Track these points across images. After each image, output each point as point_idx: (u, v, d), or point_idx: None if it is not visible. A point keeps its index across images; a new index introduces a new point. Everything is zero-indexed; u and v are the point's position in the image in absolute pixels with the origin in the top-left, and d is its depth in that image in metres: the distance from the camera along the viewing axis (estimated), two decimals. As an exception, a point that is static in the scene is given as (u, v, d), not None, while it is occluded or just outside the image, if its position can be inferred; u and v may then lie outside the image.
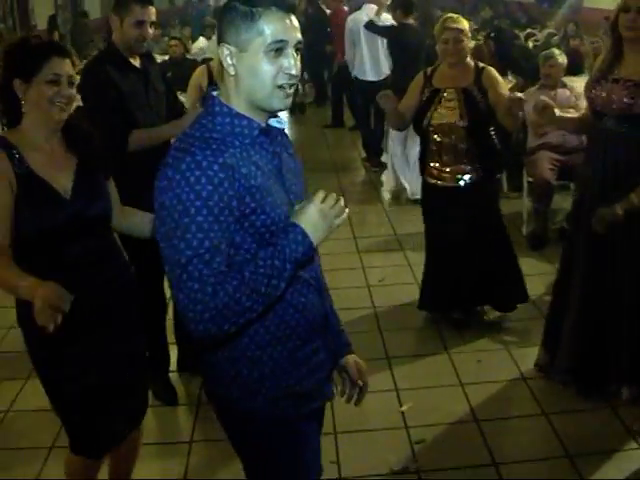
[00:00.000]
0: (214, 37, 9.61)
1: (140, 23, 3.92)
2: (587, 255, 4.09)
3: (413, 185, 7.65)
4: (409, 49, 8.14)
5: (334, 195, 2.11)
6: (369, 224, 7.37)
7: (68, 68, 2.77)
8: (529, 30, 13.59)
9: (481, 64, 4.89)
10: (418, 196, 7.38)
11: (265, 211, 2.05)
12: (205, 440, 4.04)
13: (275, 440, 2.23)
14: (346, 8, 11.78)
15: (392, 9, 8.54)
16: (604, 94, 3.89)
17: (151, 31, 4.02)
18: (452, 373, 4.60)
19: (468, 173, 4.79)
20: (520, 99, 4.40)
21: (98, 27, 15.15)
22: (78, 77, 3.04)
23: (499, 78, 4.81)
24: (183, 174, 1.96)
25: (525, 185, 6.94)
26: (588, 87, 4.03)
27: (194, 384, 4.49)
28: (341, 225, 2.16)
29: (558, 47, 8.76)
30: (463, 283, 4.99)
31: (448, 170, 4.83)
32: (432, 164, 4.88)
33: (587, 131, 4.26)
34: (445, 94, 4.76)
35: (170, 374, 4.54)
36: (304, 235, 2.05)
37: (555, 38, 11.60)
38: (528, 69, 8.35)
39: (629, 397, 4.13)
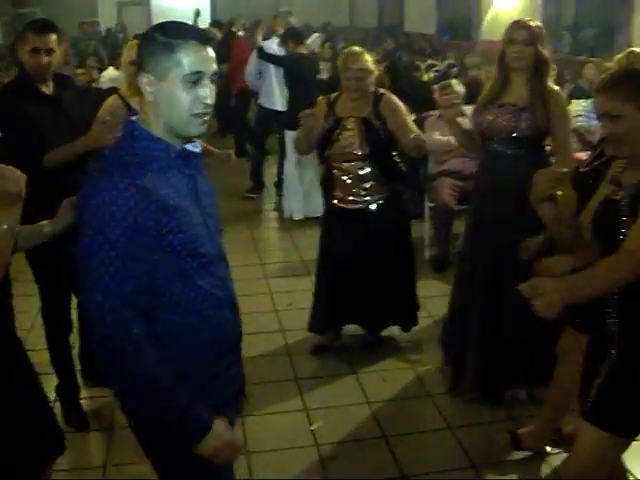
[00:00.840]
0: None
1: (35, 51, 3.92)
2: (483, 272, 4.35)
3: (303, 206, 8.12)
4: (302, 78, 8.27)
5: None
6: (276, 250, 7.47)
7: None
8: (430, 61, 14.00)
9: (381, 91, 4.97)
10: (308, 215, 7.86)
11: (182, 230, 2.14)
12: (118, 465, 4.03)
13: (190, 453, 2.27)
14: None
15: (283, 40, 8.75)
16: (491, 118, 4.19)
17: (49, 59, 3.96)
18: (359, 392, 4.70)
19: (372, 198, 4.88)
20: (420, 140, 4.65)
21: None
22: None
23: (399, 105, 4.90)
24: (100, 194, 2.04)
25: (427, 210, 7.14)
26: (476, 112, 4.32)
27: (106, 407, 4.48)
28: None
29: (457, 77, 9.10)
30: (367, 304, 5.06)
31: (351, 196, 4.89)
32: (336, 190, 4.96)
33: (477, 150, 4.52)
34: (346, 123, 4.84)
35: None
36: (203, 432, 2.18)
37: (455, 69, 11.99)
38: (418, 99, 8.62)
39: (525, 398, 4.47)
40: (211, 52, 2.17)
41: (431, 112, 7.29)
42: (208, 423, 2.18)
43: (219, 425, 2.20)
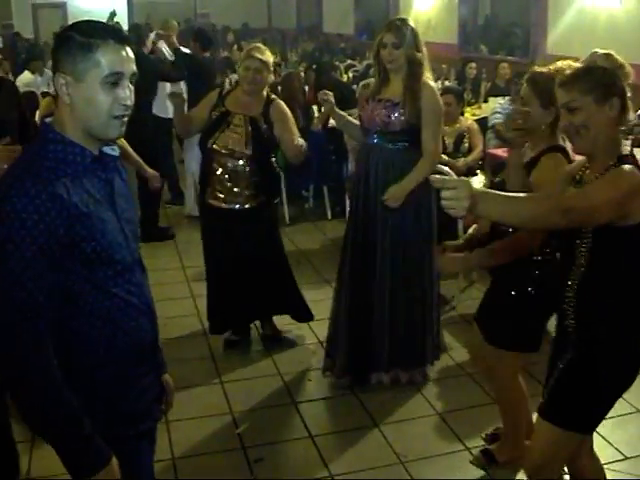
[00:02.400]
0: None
1: None
2: (353, 259, 4.64)
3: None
4: (203, 80, 8.16)
5: None
6: (197, 253, 7.37)
7: None
8: (349, 61, 14.10)
9: (272, 96, 5.01)
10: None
11: (95, 238, 2.09)
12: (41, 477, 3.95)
13: None
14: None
15: (193, 40, 8.73)
16: (369, 112, 4.44)
17: None
18: (285, 393, 4.71)
19: (247, 197, 4.88)
20: (305, 150, 4.84)
21: None
22: None
23: (288, 113, 4.96)
24: (11, 200, 1.98)
25: (347, 209, 7.13)
26: (360, 107, 4.62)
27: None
28: None
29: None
30: (252, 301, 5.12)
31: (227, 193, 4.88)
32: (213, 186, 4.92)
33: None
34: (234, 119, 4.82)
35: None
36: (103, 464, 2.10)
37: (373, 69, 12.06)
38: (340, 98, 8.67)
39: (388, 382, 4.68)
40: (130, 52, 2.12)
41: (351, 111, 7.34)
42: (109, 457, 2.13)
43: (115, 462, 2.14)
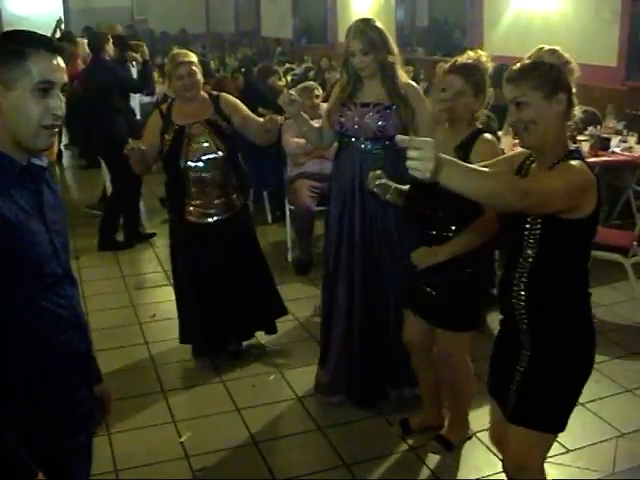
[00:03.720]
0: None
1: None
2: (350, 271, 4.36)
3: None
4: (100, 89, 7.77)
5: None
6: (137, 261, 7.34)
7: None
8: (288, 65, 14.11)
9: (215, 92, 4.91)
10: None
11: (25, 250, 2.06)
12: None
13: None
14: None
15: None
16: (356, 117, 4.22)
17: None
18: (228, 400, 4.67)
19: (227, 205, 4.81)
20: (277, 121, 4.57)
21: None
22: None
23: (237, 101, 4.88)
24: None
25: (287, 213, 7.17)
26: (333, 111, 4.33)
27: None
28: None
29: (314, 80, 9.23)
30: (232, 315, 5.01)
31: (207, 206, 4.78)
32: (193, 202, 4.78)
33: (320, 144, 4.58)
34: (192, 130, 4.69)
35: None
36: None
37: (312, 72, 12.13)
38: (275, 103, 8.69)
39: (397, 398, 4.51)
40: (61, 62, 2.09)
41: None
42: (35, 472, 2.07)
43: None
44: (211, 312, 4.97)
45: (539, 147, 2.70)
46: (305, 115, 4.45)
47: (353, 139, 4.28)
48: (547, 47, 2.72)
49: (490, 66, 3.64)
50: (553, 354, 2.78)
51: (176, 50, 4.94)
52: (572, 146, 2.75)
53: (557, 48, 2.71)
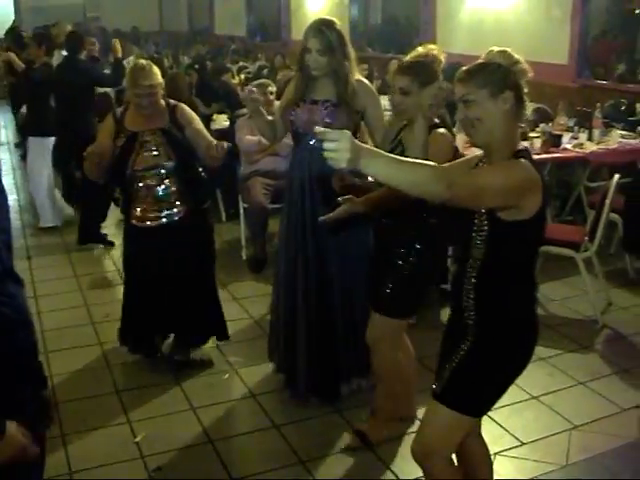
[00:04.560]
0: None
1: None
2: (304, 271, 4.38)
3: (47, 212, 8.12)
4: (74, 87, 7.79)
5: None
6: (91, 261, 7.26)
7: None
8: (242, 63, 14.06)
9: (172, 102, 4.79)
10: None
11: None
12: None
13: None
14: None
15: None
16: (306, 115, 4.23)
17: None
18: (183, 399, 4.65)
19: (175, 211, 4.73)
20: (223, 147, 4.44)
21: None
22: None
23: (193, 114, 4.80)
24: None
25: (241, 211, 7.15)
26: (287, 109, 4.35)
27: None
28: None
29: (268, 78, 9.21)
30: (179, 319, 4.93)
31: (154, 212, 4.70)
32: (139, 207, 4.72)
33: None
34: (145, 137, 4.62)
35: None
36: None
37: (265, 70, 12.11)
38: (229, 100, 8.67)
39: (347, 392, 4.53)
40: None
41: (240, 111, 7.37)
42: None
43: (11, 426, 2.08)
44: (149, 314, 4.92)
45: (486, 145, 2.74)
46: (263, 111, 4.44)
47: (303, 136, 4.30)
48: (497, 48, 2.76)
49: (443, 58, 3.67)
50: (493, 344, 2.84)
51: (141, 64, 4.68)
52: (521, 146, 2.78)
53: (507, 49, 2.75)
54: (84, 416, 4.42)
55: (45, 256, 7.19)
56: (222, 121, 8.83)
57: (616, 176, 5.64)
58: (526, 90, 2.73)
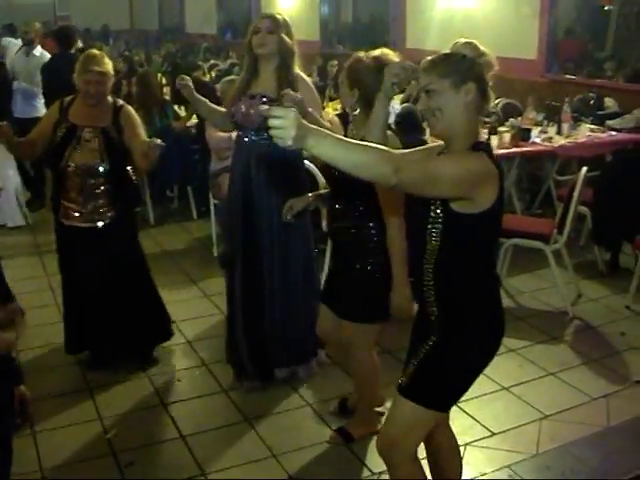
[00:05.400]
0: None
1: None
2: (242, 262, 4.61)
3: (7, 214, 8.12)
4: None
5: None
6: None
7: None
8: (212, 61, 14.04)
9: (120, 102, 4.75)
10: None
11: None
12: None
13: None
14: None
15: (53, 39, 8.58)
16: (243, 109, 4.31)
17: None
18: (154, 395, 4.64)
19: (108, 213, 4.66)
20: (157, 145, 4.28)
21: None
22: None
23: (137, 118, 4.73)
24: None
25: (212, 208, 7.13)
26: (231, 102, 4.45)
27: None
28: None
29: (238, 75, 9.18)
30: (112, 322, 4.85)
31: (86, 211, 4.62)
32: (68, 204, 4.64)
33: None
34: (84, 134, 4.53)
35: None
36: None
37: (236, 68, 12.09)
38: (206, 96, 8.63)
39: (285, 377, 4.71)
40: None
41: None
42: None
43: None
44: (85, 316, 4.88)
45: (446, 135, 2.73)
46: (199, 96, 4.51)
47: (242, 130, 4.44)
48: (463, 40, 2.75)
49: (399, 58, 3.65)
50: (456, 339, 2.82)
51: (93, 52, 4.68)
52: (482, 139, 2.78)
53: (473, 41, 2.74)
54: (56, 413, 4.40)
55: (16, 257, 7.14)
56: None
57: (584, 169, 5.69)
58: (491, 83, 2.72)
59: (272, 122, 2.18)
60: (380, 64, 3.34)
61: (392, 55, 3.56)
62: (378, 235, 3.64)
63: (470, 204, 2.61)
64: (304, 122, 2.23)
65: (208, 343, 5.27)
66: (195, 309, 5.75)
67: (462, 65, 2.66)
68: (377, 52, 3.61)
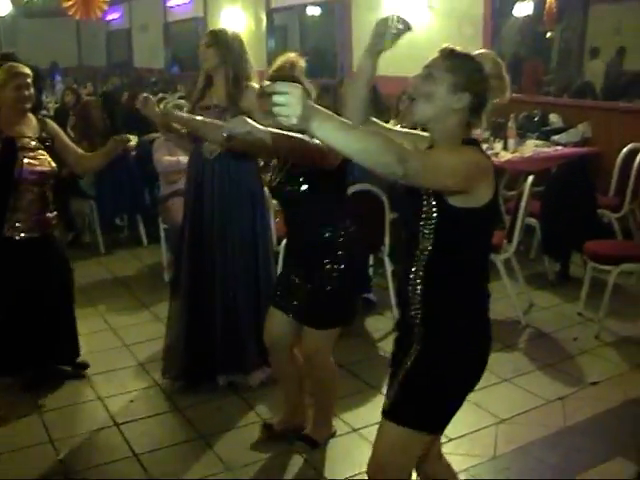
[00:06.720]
0: None
1: None
2: (188, 268, 4.71)
3: None
4: None
5: None
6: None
7: None
8: (160, 95, 14.01)
9: (40, 116, 4.84)
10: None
11: None
12: None
13: None
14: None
15: None
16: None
17: None
18: (106, 415, 4.55)
19: (45, 223, 4.65)
20: (126, 139, 4.67)
21: None
22: None
23: (59, 128, 4.85)
24: None
25: (162, 233, 7.09)
26: (187, 115, 4.43)
27: None
28: None
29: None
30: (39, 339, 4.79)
31: (34, 222, 4.59)
32: (19, 217, 4.54)
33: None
34: (25, 143, 4.51)
35: None
36: None
37: (183, 100, 12.04)
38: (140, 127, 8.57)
39: (225, 383, 4.74)
40: None
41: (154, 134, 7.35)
42: None
43: None
44: (15, 333, 4.74)
45: (425, 121, 2.62)
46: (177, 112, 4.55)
47: (197, 140, 4.50)
48: (494, 56, 2.68)
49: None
50: (441, 348, 2.65)
51: (11, 63, 4.66)
52: (472, 136, 2.67)
53: (501, 62, 2.62)
54: (5, 438, 4.31)
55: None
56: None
57: (530, 178, 5.75)
58: (490, 108, 2.61)
59: (276, 98, 2.03)
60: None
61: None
62: (341, 237, 3.70)
63: (467, 197, 2.49)
64: (309, 101, 2.08)
65: (160, 365, 5.16)
66: (147, 332, 5.68)
67: (473, 74, 2.56)
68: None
